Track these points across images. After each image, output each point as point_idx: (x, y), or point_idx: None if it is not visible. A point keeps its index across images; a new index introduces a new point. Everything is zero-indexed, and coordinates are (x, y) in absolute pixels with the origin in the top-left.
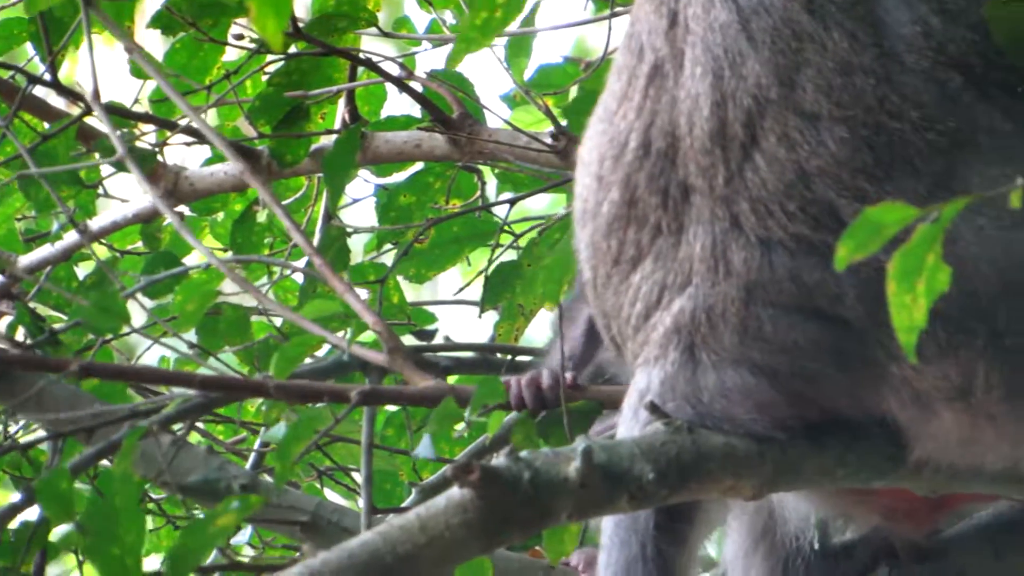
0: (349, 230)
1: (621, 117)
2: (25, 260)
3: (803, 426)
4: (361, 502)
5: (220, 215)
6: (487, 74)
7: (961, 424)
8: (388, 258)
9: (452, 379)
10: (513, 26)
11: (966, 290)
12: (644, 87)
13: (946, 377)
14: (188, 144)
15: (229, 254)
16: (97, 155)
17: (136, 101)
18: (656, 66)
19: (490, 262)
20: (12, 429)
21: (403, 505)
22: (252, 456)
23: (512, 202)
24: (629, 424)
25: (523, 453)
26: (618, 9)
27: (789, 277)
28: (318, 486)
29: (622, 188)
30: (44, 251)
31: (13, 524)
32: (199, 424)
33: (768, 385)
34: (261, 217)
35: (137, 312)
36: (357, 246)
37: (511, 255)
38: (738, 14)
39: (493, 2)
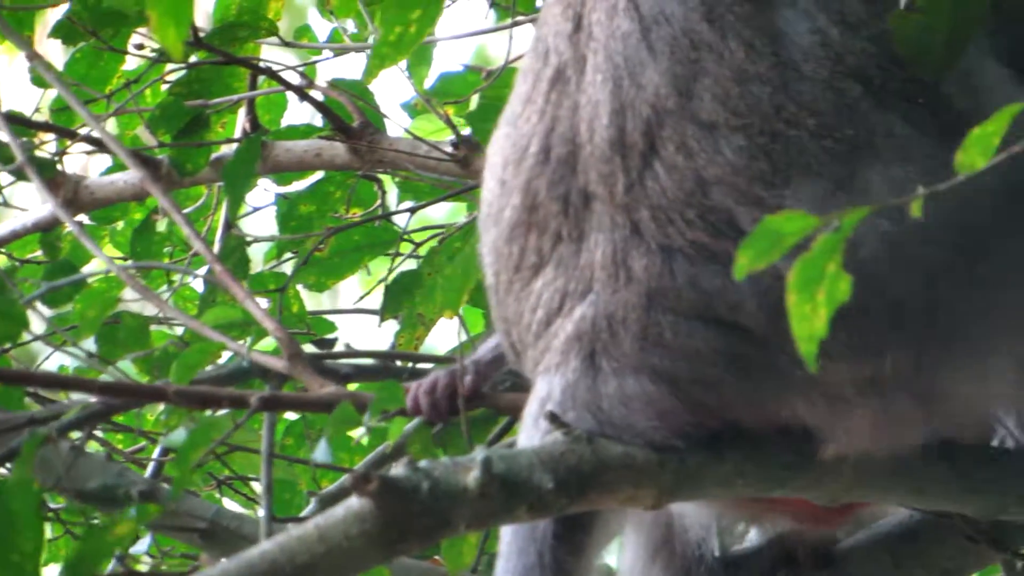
0: (249, 239)
1: (524, 120)
2: None
3: (704, 435)
4: (260, 511)
5: (120, 224)
6: (388, 83)
7: (873, 414)
8: (288, 267)
9: (352, 386)
10: None
11: (869, 288)
12: (547, 91)
13: (854, 372)
14: (88, 153)
15: (129, 263)
16: None
17: (36, 110)
18: (559, 70)
19: (390, 271)
20: None
21: (302, 515)
22: (151, 464)
23: (412, 211)
24: (530, 433)
25: (422, 463)
26: (519, 18)
27: (689, 284)
28: (217, 495)
29: (523, 194)
30: None
31: None
32: (98, 433)
33: (668, 392)
34: (161, 226)
35: (37, 322)
36: (258, 255)
37: (411, 264)
38: (639, 23)
39: (406, 17)
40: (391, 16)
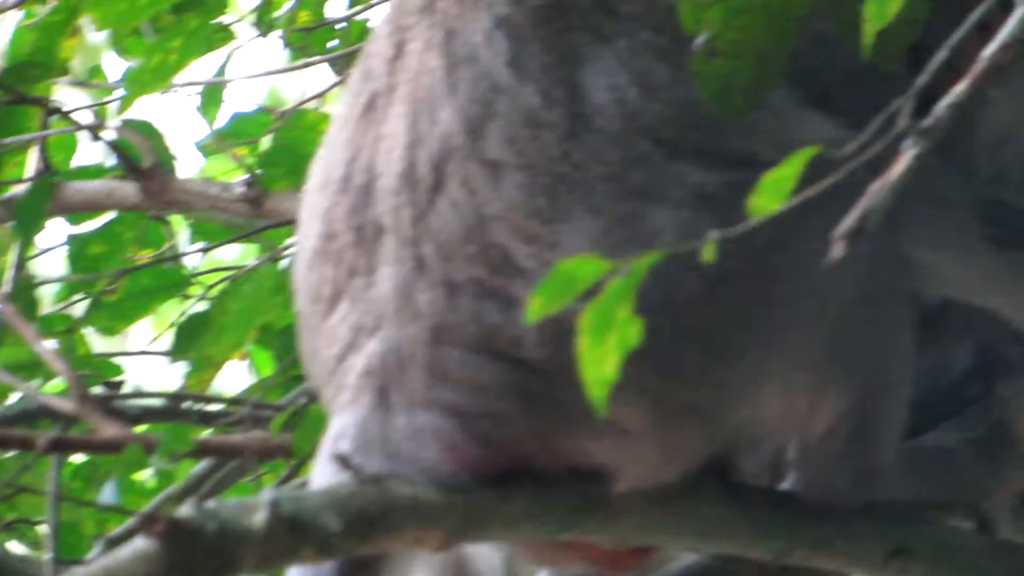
0: (39, 280)
1: (336, 145)
2: None
3: (494, 474)
4: (46, 554)
5: None
6: (182, 123)
7: (661, 445)
8: (79, 308)
9: (141, 428)
10: (207, 74)
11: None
12: (358, 117)
13: (641, 403)
14: None
15: None
16: None
17: None
18: (372, 96)
19: (182, 314)
20: None
21: (89, 557)
22: None
23: (204, 251)
24: (322, 472)
25: (210, 503)
26: (312, 58)
27: (472, 319)
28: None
29: (323, 221)
30: None
31: None
32: None
33: (457, 427)
34: None
35: None
36: (49, 296)
37: (202, 306)
38: (448, 60)
39: (167, 46)
40: (153, 45)
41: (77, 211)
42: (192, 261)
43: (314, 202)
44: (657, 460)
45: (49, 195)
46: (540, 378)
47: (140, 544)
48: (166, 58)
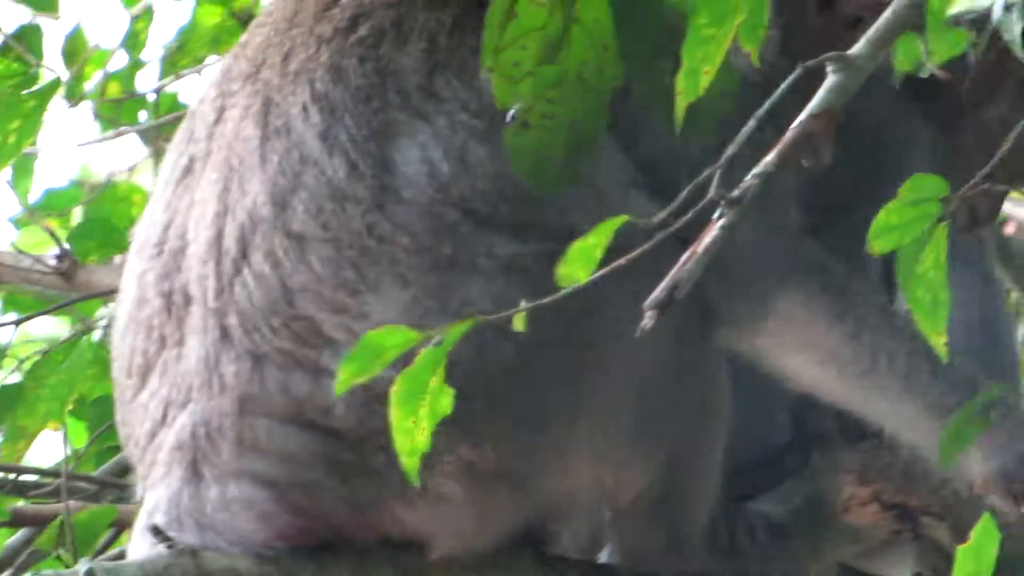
0: None
1: (154, 209)
2: None
3: (310, 543)
4: None
5: None
6: None
7: (475, 510)
8: None
9: None
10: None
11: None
12: (177, 180)
13: (453, 468)
14: None
15: None
16: None
17: None
18: (191, 160)
19: None
20: None
21: None
22: None
23: (17, 324)
24: (138, 545)
25: (27, 575)
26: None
27: (280, 390)
28: None
29: (137, 286)
30: None
31: None
32: None
33: (269, 497)
34: None
35: None
36: None
37: (16, 377)
38: (262, 130)
39: (5, 128)
40: None
41: None
42: (5, 333)
43: (132, 265)
44: (471, 527)
45: None
46: (351, 447)
47: None
48: (4, 140)
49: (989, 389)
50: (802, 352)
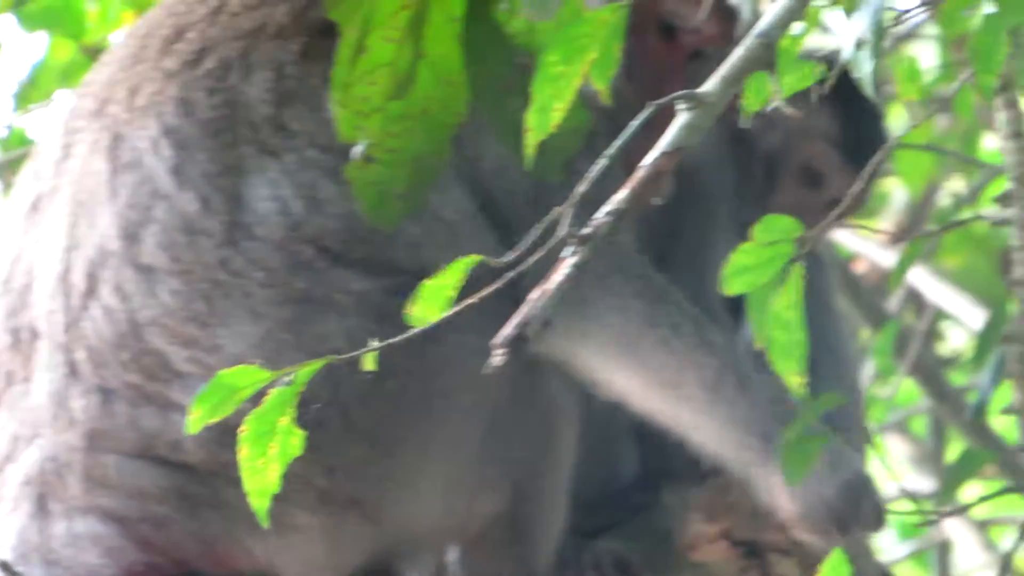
0: None
1: (3, 245)
2: None
3: None
4: None
5: None
6: None
7: (325, 538)
8: None
9: None
10: None
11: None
12: (24, 216)
13: (302, 499)
14: None
15: None
16: None
17: None
18: (38, 197)
19: None
20: None
21: None
22: None
23: None
24: None
25: None
26: None
27: (129, 425)
28: None
29: None
30: None
31: None
32: None
33: (117, 532)
34: None
35: None
36: None
37: None
38: (111, 164)
39: None
40: None
41: None
42: None
43: None
44: (322, 558)
45: None
46: (200, 481)
47: None
48: None
49: (792, 407)
50: (615, 358)
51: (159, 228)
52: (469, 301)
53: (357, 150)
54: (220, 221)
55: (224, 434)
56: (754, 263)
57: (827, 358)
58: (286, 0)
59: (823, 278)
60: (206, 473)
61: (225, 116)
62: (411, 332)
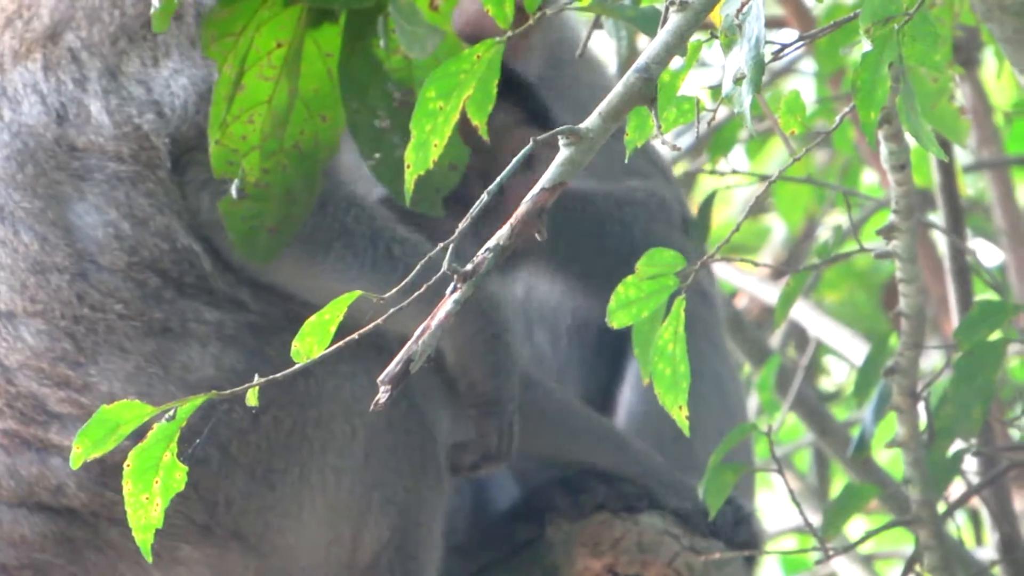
0: None
1: None
2: None
3: None
4: None
5: None
6: None
7: (210, 571)
8: None
9: None
10: None
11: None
12: None
13: (187, 534)
14: None
15: None
16: None
17: None
18: None
19: None
20: None
21: None
22: None
23: None
24: None
25: None
26: None
27: (8, 473)
28: None
29: None
30: None
31: None
32: None
33: None
34: None
35: None
36: None
37: None
38: None
39: None
40: None
41: None
42: None
43: None
44: None
45: None
46: (82, 524)
47: None
48: None
49: None
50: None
51: (7, 273)
52: (350, 337)
53: (234, 187)
54: (65, 255)
55: (104, 474)
56: (638, 296)
57: (713, 391)
58: (25, 21)
59: (709, 312)
60: (88, 515)
61: (21, 148)
62: (295, 368)
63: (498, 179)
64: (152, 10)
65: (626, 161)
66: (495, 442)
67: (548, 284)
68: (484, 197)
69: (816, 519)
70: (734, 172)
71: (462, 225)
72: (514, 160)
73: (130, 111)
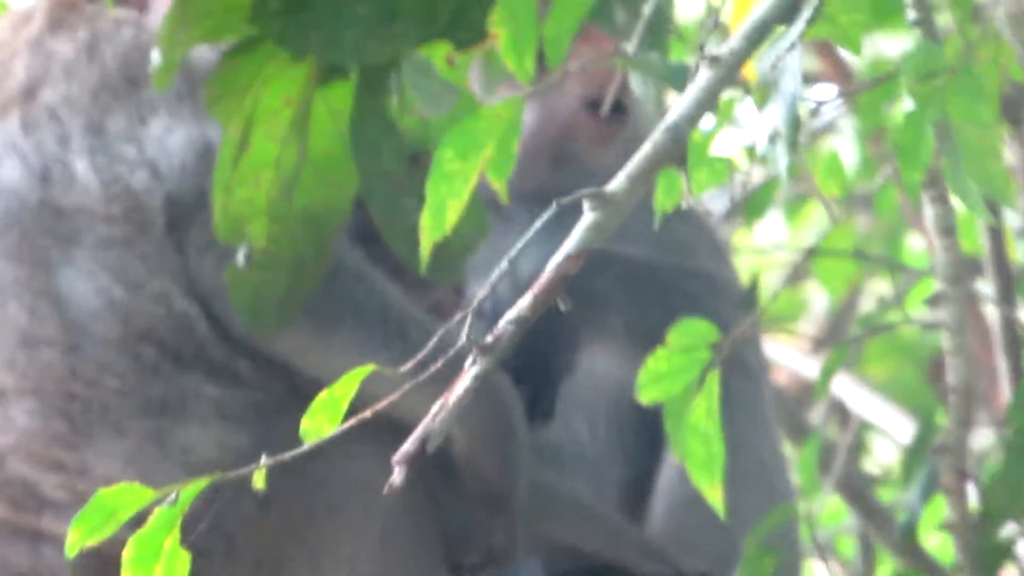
0: None
1: None
2: None
3: None
4: None
5: None
6: None
7: None
8: None
9: None
10: None
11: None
12: None
13: None
14: None
15: None
16: None
17: None
18: None
19: None
20: None
21: None
22: None
23: None
24: None
25: None
26: None
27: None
28: None
29: None
30: None
31: None
32: None
33: None
34: None
35: None
36: None
37: None
38: None
39: None
40: None
41: None
42: None
43: None
44: None
45: None
46: None
47: None
48: None
49: None
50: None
51: None
52: (363, 414)
53: (241, 255)
54: (56, 326)
55: (102, 563)
56: (669, 369)
57: (755, 471)
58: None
59: (751, 385)
60: None
61: (3, 212)
62: (304, 448)
63: (516, 246)
64: (152, 66)
65: (655, 226)
66: (501, 542)
67: (588, 358)
68: (503, 264)
69: None
70: (775, 245)
71: (480, 295)
72: (533, 226)
73: (120, 170)
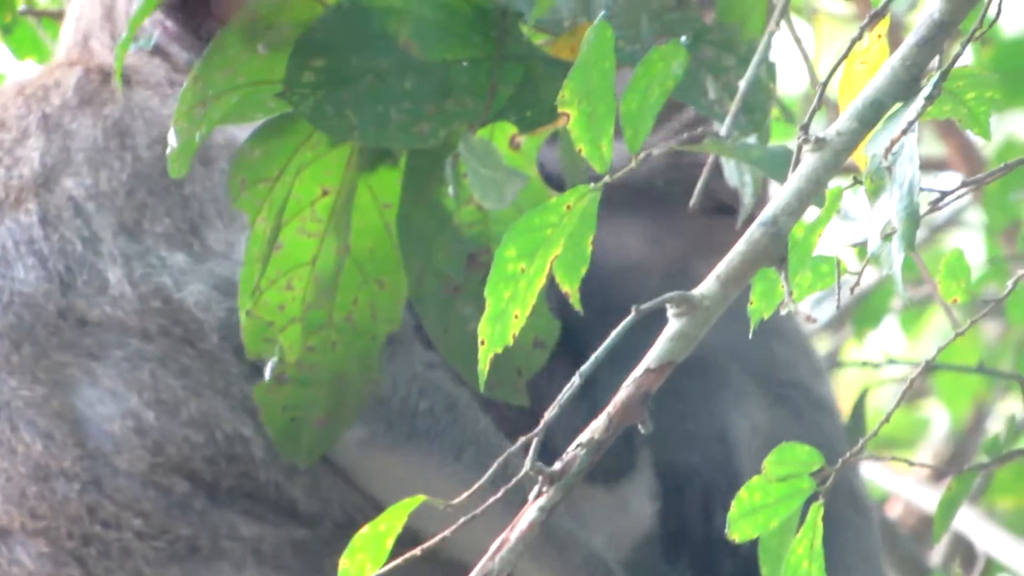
0: None
1: None
2: None
3: None
4: None
5: None
6: None
7: None
8: None
9: None
10: None
11: None
12: None
13: None
14: None
15: None
16: None
17: None
18: None
19: None
20: None
21: None
22: None
23: None
24: None
25: None
26: None
27: None
28: None
29: None
30: None
31: None
32: None
33: None
34: None
35: None
36: None
37: None
38: None
39: None
40: None
41: None
42: None
43: None
44: None
45: None
46: None
47: None
48: None
49: None
50: None
51: (3, 480)
52: (411, 552)
53: (269, 368)
54: (73, 456)
55: None
56: (765, 501)
57: None
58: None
59: (861, 519)
60: None
61: (15, 323)
62: None
63: (591, 358)
64: (168, 150)
65: (750, 336)
66: None
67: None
68: (575, 379)
69: None
70: (889, 359)
71: (548, 415)
72: (610, 337)
73: (163, 281)
